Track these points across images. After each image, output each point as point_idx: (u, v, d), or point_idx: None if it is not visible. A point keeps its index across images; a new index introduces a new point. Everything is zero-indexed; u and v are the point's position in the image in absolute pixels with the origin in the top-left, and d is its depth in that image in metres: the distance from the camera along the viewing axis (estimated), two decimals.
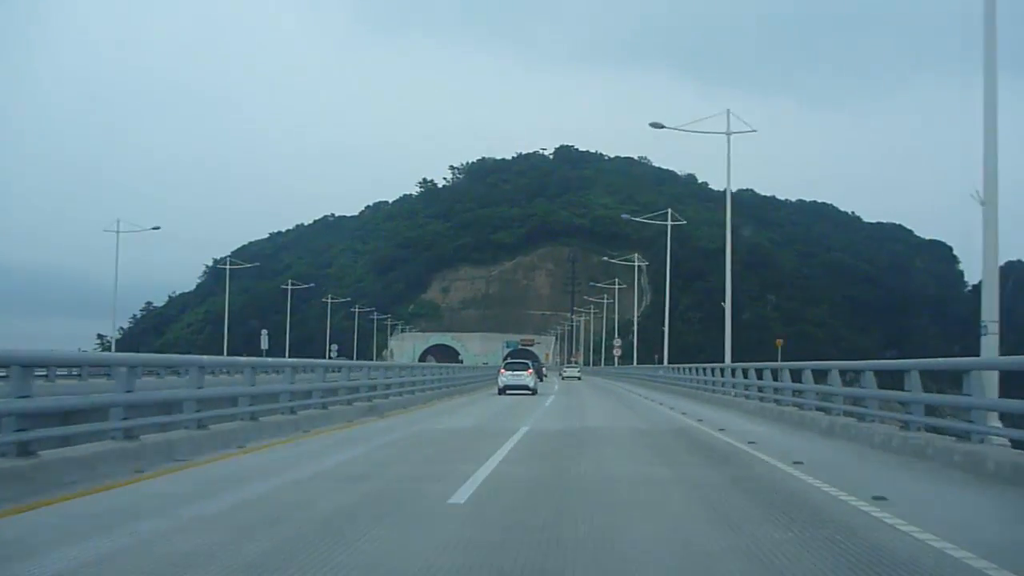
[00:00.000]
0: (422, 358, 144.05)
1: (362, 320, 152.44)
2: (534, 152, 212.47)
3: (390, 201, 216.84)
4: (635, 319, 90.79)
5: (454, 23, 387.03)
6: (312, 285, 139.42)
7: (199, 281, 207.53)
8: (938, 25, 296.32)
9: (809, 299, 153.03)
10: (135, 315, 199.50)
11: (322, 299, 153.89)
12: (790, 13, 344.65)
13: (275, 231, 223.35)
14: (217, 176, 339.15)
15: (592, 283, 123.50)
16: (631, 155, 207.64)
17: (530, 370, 38.11)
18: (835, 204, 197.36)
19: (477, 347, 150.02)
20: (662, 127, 39.67)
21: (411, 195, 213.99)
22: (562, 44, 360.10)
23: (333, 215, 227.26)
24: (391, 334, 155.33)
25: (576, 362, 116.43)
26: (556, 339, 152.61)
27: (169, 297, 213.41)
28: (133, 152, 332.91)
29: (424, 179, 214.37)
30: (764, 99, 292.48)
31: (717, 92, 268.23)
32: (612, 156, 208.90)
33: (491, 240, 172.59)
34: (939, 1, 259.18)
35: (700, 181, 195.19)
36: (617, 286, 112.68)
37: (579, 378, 72.05)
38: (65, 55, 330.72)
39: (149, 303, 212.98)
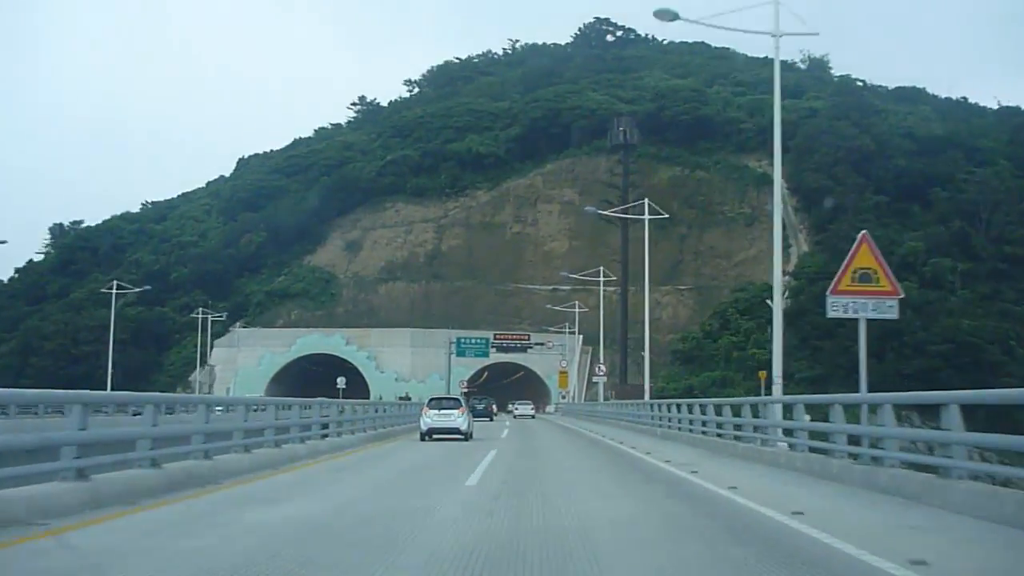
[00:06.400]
0: (272, 388, 62.18)
1: (173, 311, 70.93)
2: (535, 44, 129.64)
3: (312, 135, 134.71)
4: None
5: None
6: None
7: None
8: None
9: None
10: None
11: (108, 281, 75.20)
12: None
13: (152, 200, 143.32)
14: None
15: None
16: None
17: (462, 408, 29.29)
18: None
19: (403, 359, 66.35)
20: None
21: (341, 125, 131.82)
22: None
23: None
24: (222, 334, 71.71)
25: (600, 371, 38.23)
26: (582, 341, 67.46)
27: None
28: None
29: (362, 97, 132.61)
30: None
31: None
32: (669, 42, 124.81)
33: (451, 152, 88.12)
34: None
35: (823, 59, 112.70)
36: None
37: (532, 416, 59.60)
38: None
39: None
